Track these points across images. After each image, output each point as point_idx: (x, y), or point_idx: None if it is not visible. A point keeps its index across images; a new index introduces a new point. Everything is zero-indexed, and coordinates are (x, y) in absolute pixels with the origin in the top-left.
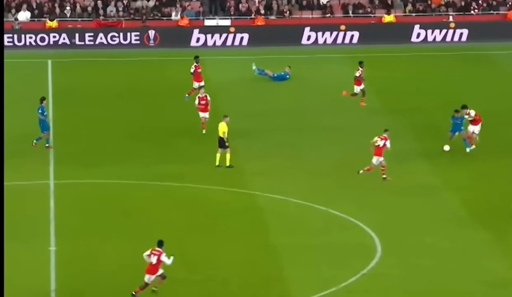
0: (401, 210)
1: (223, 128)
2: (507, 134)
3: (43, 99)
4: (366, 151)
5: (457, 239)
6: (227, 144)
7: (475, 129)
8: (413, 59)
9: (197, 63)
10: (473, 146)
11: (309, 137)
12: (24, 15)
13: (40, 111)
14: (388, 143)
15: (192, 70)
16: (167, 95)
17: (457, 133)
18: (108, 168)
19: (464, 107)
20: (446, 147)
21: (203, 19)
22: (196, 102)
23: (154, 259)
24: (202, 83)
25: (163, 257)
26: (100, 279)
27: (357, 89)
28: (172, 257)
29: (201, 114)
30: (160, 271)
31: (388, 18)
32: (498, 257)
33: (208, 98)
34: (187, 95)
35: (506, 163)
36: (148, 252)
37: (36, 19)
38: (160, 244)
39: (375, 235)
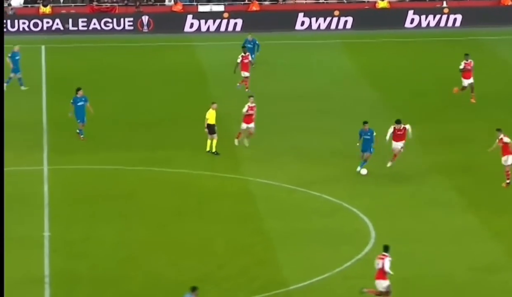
0: (394, 196)
1: (213, 115)
2: (497, 117)
3: (78, 89)
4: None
5: (448, 224)
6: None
7: (398, 145)
8: (407, 44)
9: (244, 53)
10: (390, 163)
11: (302, 123)
12: (17, 1)
13: (72, 101)
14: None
15: (239, 60)
16: (160, 81)
17: (365, 153)
18: (101, 154)
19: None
20: (363, 171)
21: (197, 5)
22: (245, 109)
23: (379, 264)
24: (248, 74)
25: (386, 262)
26: (93, 264)
27: (465, 82)
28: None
29: (244, 125)
30: (387, 283)
31: (382, 4)
32: (488, 242)
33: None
34: (238, 84)
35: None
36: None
37: (29, 5)
38: (385, 248)
39: (369, 221)
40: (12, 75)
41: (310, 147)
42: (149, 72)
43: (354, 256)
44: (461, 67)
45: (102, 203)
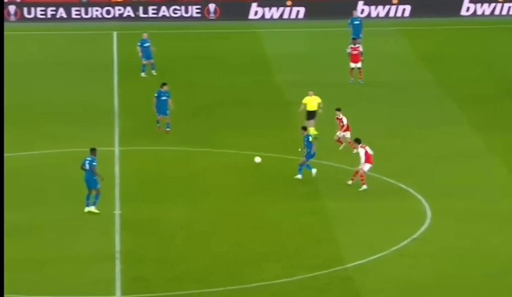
0: (449, 176)
1: (310, 101)
2: None
3: (163, 84)
4: (419, 121)
5: (504, 204)
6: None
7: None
8: (463, 32)
9: (354, 44)
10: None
11: (362, 107)
12: None
13: (156, 95)
14: None
15: (348, 51)
16: (225, 67)
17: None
18: (168, 137)
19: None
20: (257, 159)
21: None
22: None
23: None
24: (359, 65)
25: None
26: (161, 242)
27: None
28: None
29: (341, 133)
30: None
31: None
32: None
33: (344, 121)
34: (351, 78)
35: None
36: None
37: None
38: None
39: (425, 201)
40: (145, 62)
41: (370, 130)
42: (214, 58)
43: (410, 235)
44: None
45: (169, 183)
